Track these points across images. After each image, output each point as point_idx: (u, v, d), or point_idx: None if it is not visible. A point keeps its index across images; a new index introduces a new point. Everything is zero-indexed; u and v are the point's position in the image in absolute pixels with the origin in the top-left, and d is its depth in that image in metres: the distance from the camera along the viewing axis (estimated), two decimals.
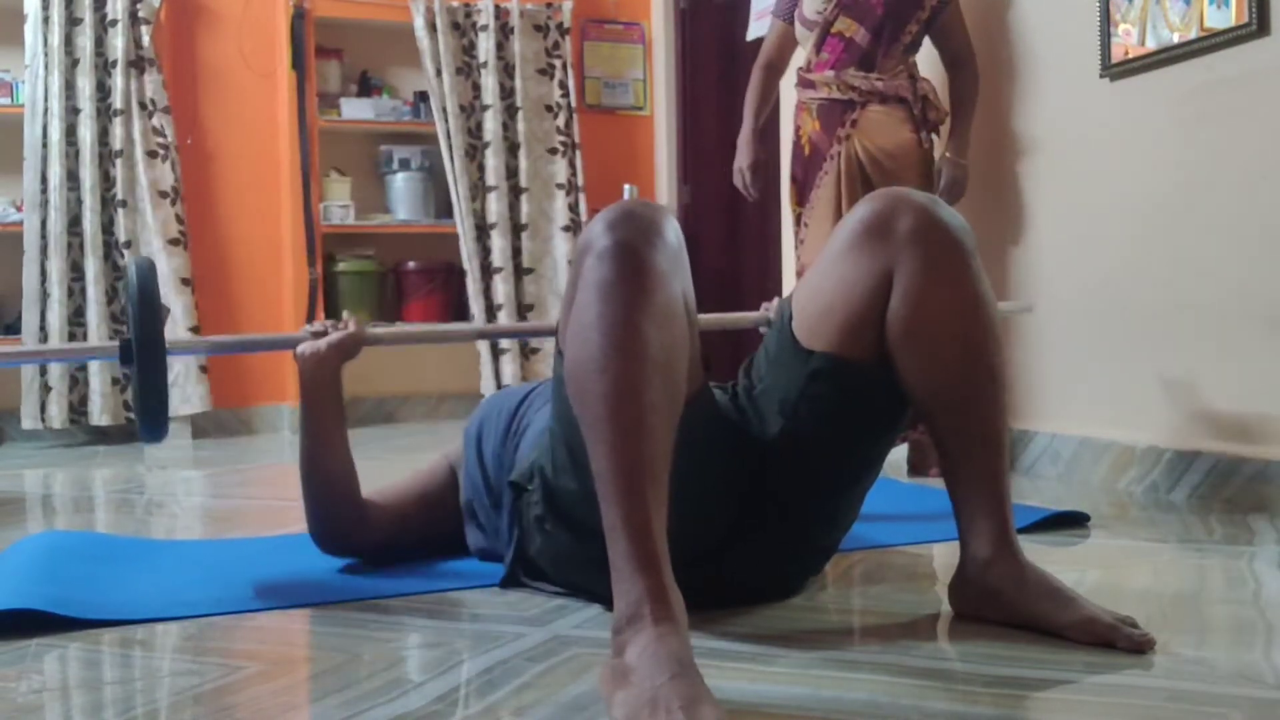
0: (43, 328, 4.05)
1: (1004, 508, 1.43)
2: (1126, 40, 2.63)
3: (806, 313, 1.50)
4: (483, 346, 4.53)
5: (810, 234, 2.96)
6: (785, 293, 3.15)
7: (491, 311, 4.56)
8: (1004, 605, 1.40)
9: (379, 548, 1.82)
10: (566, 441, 1.42)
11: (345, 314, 1.83)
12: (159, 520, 2.52)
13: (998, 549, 1.41)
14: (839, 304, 1.46)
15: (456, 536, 1.85)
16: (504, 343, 4.53)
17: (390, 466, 3.21)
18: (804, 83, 3.01)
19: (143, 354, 1.60)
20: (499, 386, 4.45)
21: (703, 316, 1.54)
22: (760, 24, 4.08)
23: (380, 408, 4.63)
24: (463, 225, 4.53)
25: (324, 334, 1.75)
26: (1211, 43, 2.40)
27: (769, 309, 2.11)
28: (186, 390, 4.18)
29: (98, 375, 4.08)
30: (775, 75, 3.18)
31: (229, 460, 3.60)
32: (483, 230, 4.60)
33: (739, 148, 3.15)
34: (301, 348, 1.74)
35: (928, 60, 3.04)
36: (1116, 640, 1.30)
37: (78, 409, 4.10)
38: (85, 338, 4.09)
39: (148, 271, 1.63)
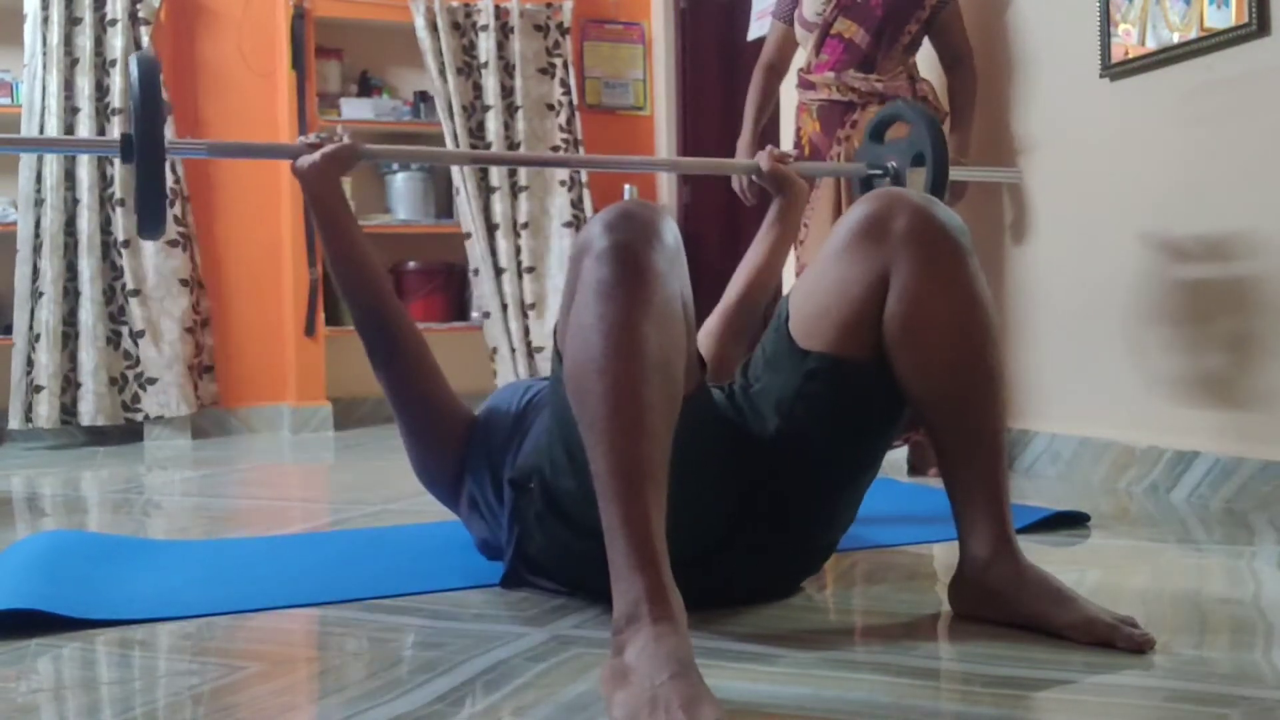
0: (32, 327, 4.03)
1: (1003, 508, 1.43)
2: (1126, 40, 2.63)
3: (803, 313, 1.50)
4: (499, 342, 4.52)
5: (810, 234, 2.96)
6: (785, 293, 3.16)
7: (504, 311, 4.56)
8: (1003, 605, 1.40)
9: (403, 336, 1.81)
10: (565, 441, 1.42)
11: (339, 128, 1.91)
12: (158, 520, 2.52)
13: (997, 549, 1.42)
14: (835, 304, 1.46)
15: (438, 458, 1.83)
16: (513, 340, 4.53)
17: (390, 466, 3.21)
18: (804, 84, 3.02)
19: (143, 150, 1.67)
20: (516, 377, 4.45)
21: (695, 160, 1.56)
22: (761, 24, 4.08)
23: (380, 408, 4.62)
24: (474, 225, 4.53)
25: (319, 145, 1.82)
26: (1211, 43, 2.40)
27: (760, 158, 2.11)
28: (186, 390, 4.17)
29: (92, 376, 4.06)
30: (776, 77, 3.18)
31: (229, 460, 3.60)
32: (490, 230, 4.60)
33: (738, 151, 3.15)
34: (300, 160, 1.81)
35: (926, 61, 3.04)
36: (1116, 640, 1.30)
37: (70, 410, 4.08)
38: (78, 338, 4.07)
39: (151, 68, 1.68)
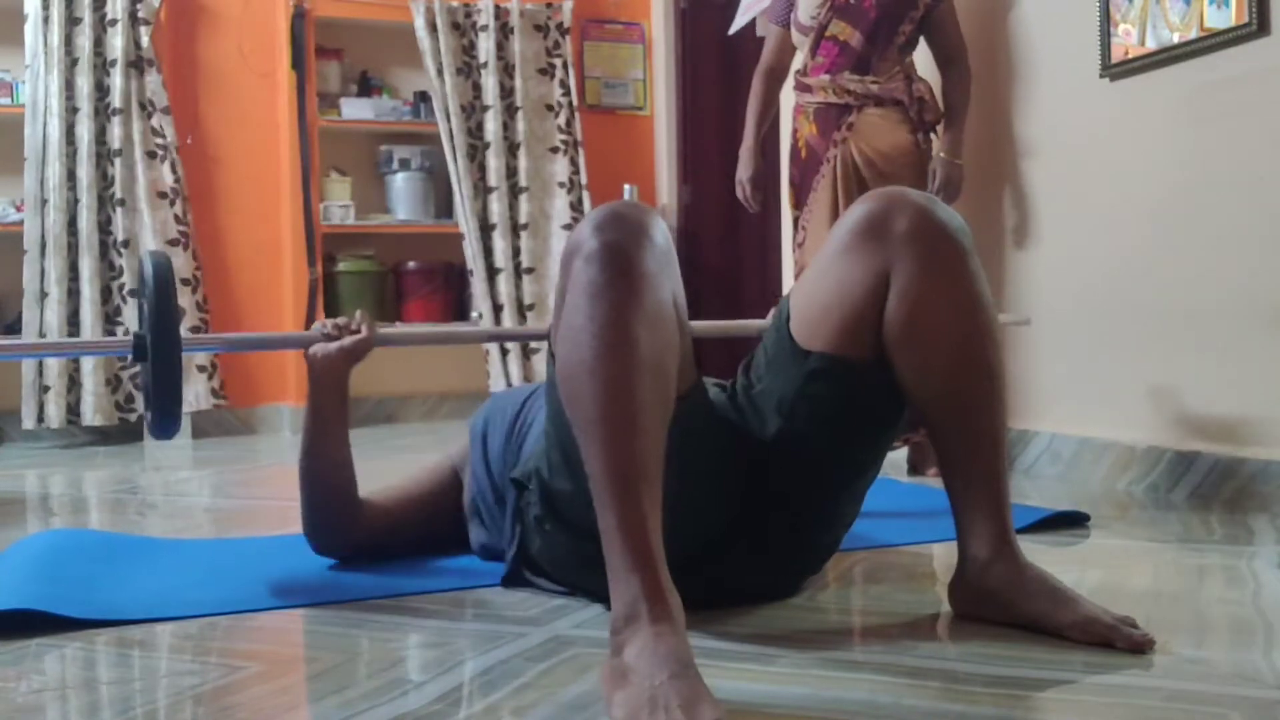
0: (40, 328, 4.05)
1: (1003, 508, 1.43)
2: (1126, 40, 2.63)
3: (804, 313, 1.50)
4: (491, 346, 4.53)
5: (808, 236, 2.96)
6: (785, 293, 3.16)
7: (496, 311, 4.57)
8: (1003, 605, 1.40)
9: (372, 548, 1.82)
10: (560, 443, 1.42)
11: (358, 313, 1.85)
12: (158, 520, 2.52)
13: (997, 549, 1.41)
14: (836, 304, 1.46)
15: (452, 538, 1.86)
16: (507, 342, 4.54)
17: (390, 466, 3.20)
18: (800, 86, 3.02)
19: (157, 350, 1.60)
20: (509, 385, 4.45)
21: (706, 324, 1.54)
22: (744, 19, 4.09)
23: (380, 408, 4.63)
24: (467, 226, 4.53)
25: (335, 336, 1.76)
26: (1211, 43, 2.40)
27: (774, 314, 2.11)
28: (184, 390, 4.17)
29: (90, 376, 4.07)
30: (776, 82, 3.18)
31: (229, 460, 3.60)
32: (485, 230, 4.60)
33: (741, 158, 3.14)
34: (314, 349, 1.75)
35: (924, 62, 3.04)
36: (1116, 640, 1.30)
37: (75, 410, 4.10)
38: (78, 337, 4.08)
39: (165, 267, 1.63)
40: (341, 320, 1.80)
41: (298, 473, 1.77)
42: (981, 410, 1.44)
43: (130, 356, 1.66)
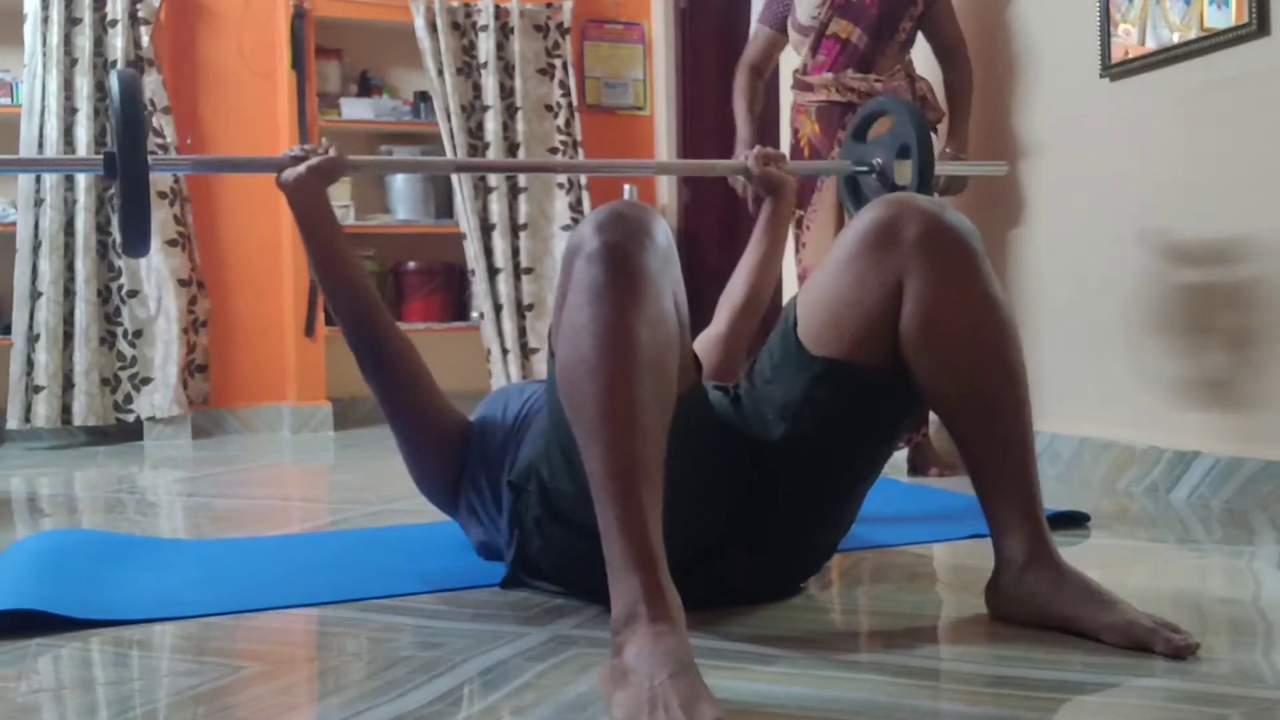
0: (31, 327, 4.03)
1: (1036, 509, 1.42)
2: (1126, 40, 2.63)
3: (813, 319, 1.49)
4: (492, 344, 4.53)
5: (812, 237, 2.96)
6: (785, 295, 3.16)
7: (496, 311, 4.56)
8: (1041, 607, 1.39)
9: (394, 349, 1.80)
10: (560, 443, 1.42)
11: (323, 140, 1.90)
12: (158, 520, 2.52)
13: (1033, 551, 1.41)
14: (847, 311, 1.46)
15: (438, 469, 1.82)
16: (507, 342, 4.53)
17: (390, 466, 3.21)
18: (800, 85, 3.01)
19: (126, 166, 1.65)
20: (509, 381, 4.45)
21: (681, 162, 1.56)
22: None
23: (381, 408, 4.63)
24: (468, 226, 4.53)
25: (304, 158, 1.81)
26: (1211, 43, 2.40)
27: (748, 156, 2.11)
28: (179, 390, 4.17)
29: (85, 376, 4.06)
30: (758, 77, 3.17)
31: (229, 460, 3.60)
32: (485, 230, 4.60)
33: (737, 151, 3.13)
34: (285, 174, 1.80)
35: (922, 62, 3.04)
36: (1156, 645, 1.28)
37: (70, 410, 4.08)
38: (74, 338, 4.07)
39: (131, 85, 1.67)
40: (310, 145, 1.88)
41: (323, 294, 1.82)
42: (1006, 412, 1.43)
43: (101, 173, 1.72)
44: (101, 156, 1.72)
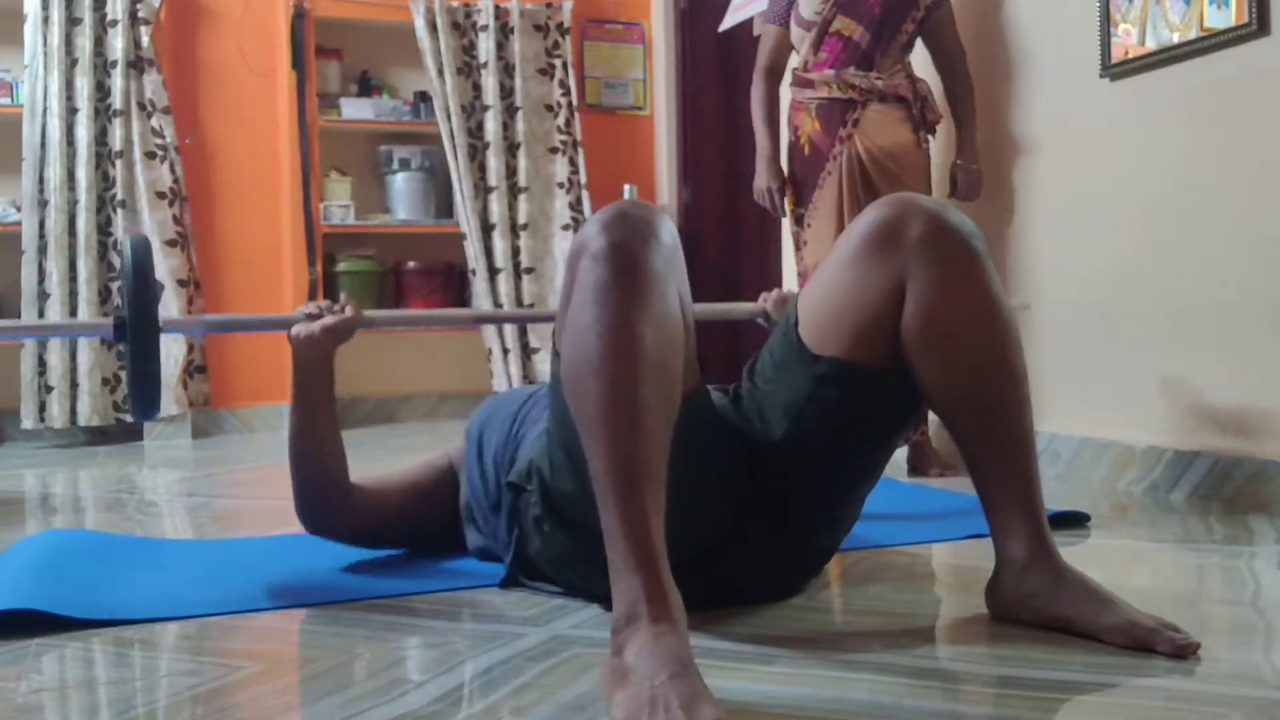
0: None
1: (1037, 509, 1.42)
2: (1126, 40, 2.63)
3: (814, 318, 1.49)
4: (493, 344, 4.53)
5: (813, 235, 2.96)
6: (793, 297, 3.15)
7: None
8: (1041, 607, 1.39)
9: (364, 532, 1.81)
10: (564, 443, 1.42)
11: (343, 296, 1.86)
12: (158, 520, 2.52)
13: (1034, 551, 1.40)
14: (849, 310, 1.46)
15: (449, 536, 1.85)
16: (507, 341, 4.54)
17: (390, 466, 3.20)
18: (801, 82, 3.01)
19: (135, 331, 1.63)
20: (510, 385, 4.45)
21: (699, 306, 1.54)
22: (734, 15, 4.08)
23: (380, 408, 4.63)
24: (469, 226, 4.53)
25: (319, 316, 1.75)
26: (1211, 43, 2.40)
27: (766, 300, 2.11)
28: (178, 391, 4.18)
29: (87, 376, 4.07)
30: (776, 81, 3.15)
31: (229, 460, 3.60)
32: (486, 230, 4.60)
33: (761, 167, 3.05)
34: (296, 329, 1.74)
35: (921, 68, 3.04)
36: (1158, 644, 1.28)
37: (73, 410, 4.09)
38: (76, 338, 4.08)
39: (143, 248, 1.65)
40: (325, 301, 1.80)
41: (289, 455, 1.76)
42: (1008, 412, 1.43)
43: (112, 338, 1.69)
44: (111, 320, 1.69)
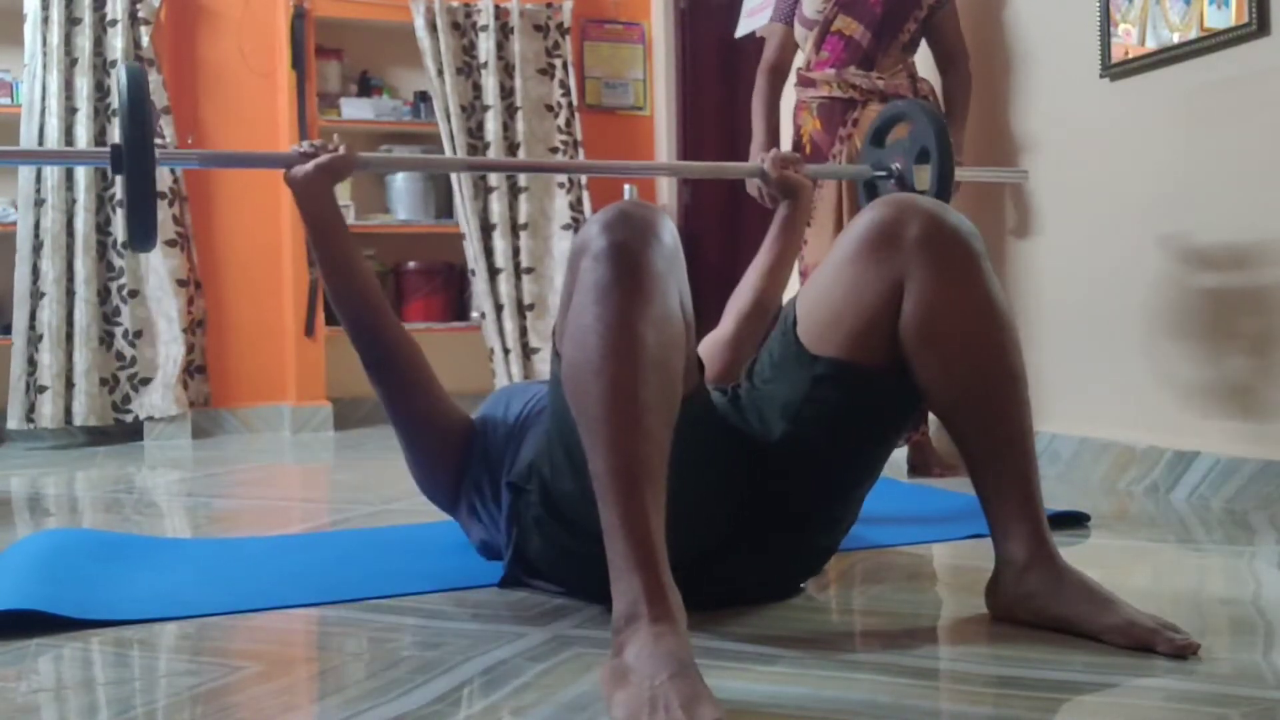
0: (33, 326, 4.04)
1: (1037, 509, 1.42)
2: (1126, 40, 2.63)
3: (813, 318, 1.50)
4: (494, 343, 4.53)
5: (813, 234, 2.96)
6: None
7: (497, 310, 4.56)
8: (1041, 608, 1.39)
9: (397, 348, 1.79)
10: (564, 442, 1.42)
11: (335, 136, 1.88)
12: (158, 520, 2.52)
13: (1034, 551, 1.40)
14: (848, 311, 1.46)
15: (440, 469, 1.81)
16: (508, 341, 4.54)
17: (390, 466, 3.21)
18: (804, 81, 3.01)
19: (132, 160, 1.64)
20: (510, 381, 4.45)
21: (696, 164, 1.55)
22: (749, 21, 4.07)
23: (380, 408, 4.62)
24: (469, 226, 4.53)
25: (313, 155, 1.79)
26: (1211, 43, 2.40)
27: (764, 159, 2.11)
28: (178, 390, 4.17)
29: (84, 376, 4.07)
30: (779, 79, 3.16)
31: (228, 460, 3.60)
32: (486, 230, 4.60)
33: (752, 157, 3.10)
34: (293, 170, 1.78)
35: (924, 67, 3.04)
36: (1158, 644, 1.28)
37: (69, 410, 4.08)
38: (74, 338, 4.07)
39: (138, 80, 1.66)
40: (318, 140, 1.84)
41: (326, 291, 1.80)
42: (1007, 413, 1.43)
43: (109, 168, 1.71)
44: (109, 149, 1.71)
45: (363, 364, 1.81)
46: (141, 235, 1.69)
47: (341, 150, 1.82)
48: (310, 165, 1.78)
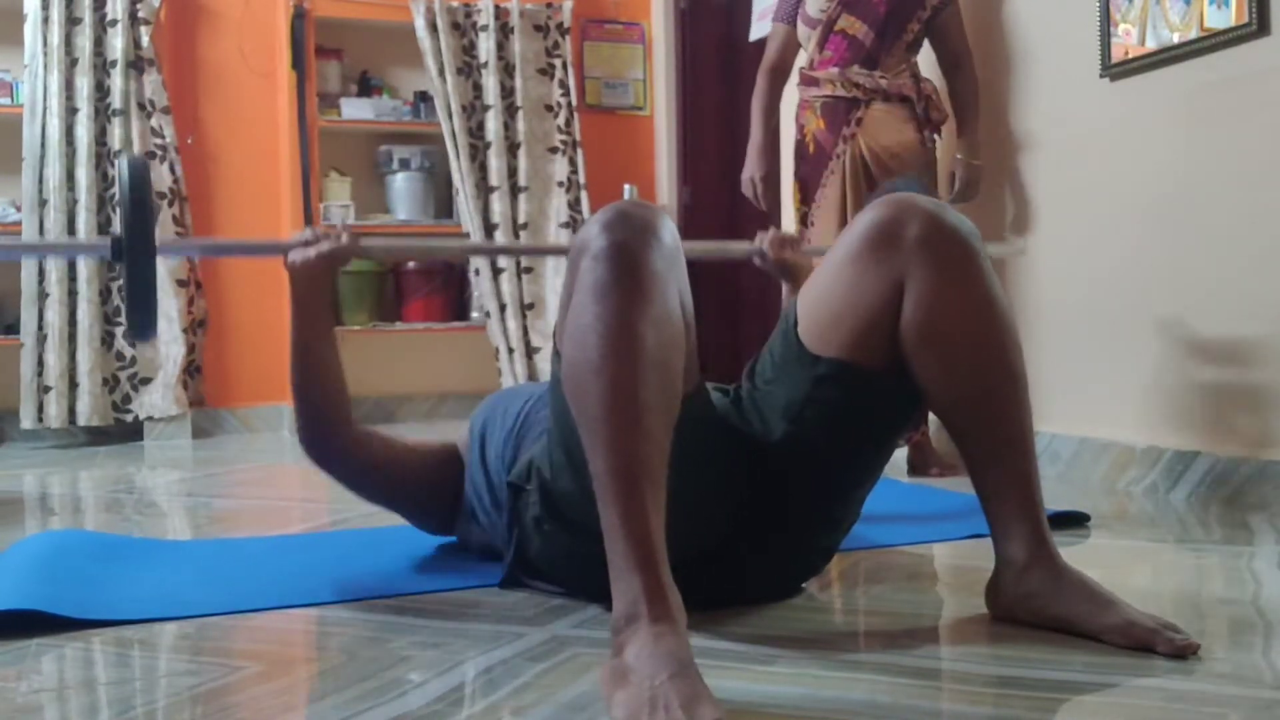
0: (40, 327, 4.05)
1: (1037, 509, 1.42)
2: (1126, 40, 2.63)
3: (814, 318, 1.49)
4: (499, 343, 4.53)
5: (816, 233, 2.96)
6: (786, 292, 3.16)
7: (500, 310, 4.56)
8: (1041, 608, 1.39)
9: (357, 469, 1.79)
10: (564, 442, 1.42)
11: (338, 222, 1.86)
12: (158, 520, 2.52)
13: (1034, 551, 1.41)
14: (848, 311, 1.46)
15: (440, 512, 1.83)
16: (511, 340, 4.54)
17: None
18: (807, 81, 3.01)
19: (133, 250, 1.62)
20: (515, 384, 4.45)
21: (695, 244, 1.54)
22: (762, 25, 4.07)
23: (380, 408, 4.62)
24: (471, 225, 4.53)
25: (315, 242, 1.75)
26: (1211, 43, 2.40)
27: (763, 240, 2.11)
28: (178, 390, 4.18)
29: (87, 376, 4.07)
30: (780, 79, 3.16)
31: (228, 460, 3.60)
32: (487, 230, 4.60)
33: (750, 157, 3.10)
34: (292, 256, 1.75)
35: (927, 68, 3.04)
36: (1158, 645, 1.28)
37: (72, 410, 4.09)
38: (76, 338, 4.08)
39: (140, 170, 1.64)
40: (320, 227, 1.82)
41: (291, 382, 1.76)
42: (1007, 413, 1.43)
43: (109, 258, 1.70)
44: (109, 240, 1.68)
45: (325, 470, 1.80)
46: (144, 325, 1.66)
47: (344, 239, 1.76)
48: (311, 252, 1.74)
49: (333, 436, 1.77)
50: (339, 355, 1.78)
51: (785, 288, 2.12)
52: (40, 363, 4.05)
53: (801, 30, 3.04)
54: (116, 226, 1.97)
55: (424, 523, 1.90)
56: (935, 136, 2.97)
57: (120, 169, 1.66)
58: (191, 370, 4.25)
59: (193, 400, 4.25)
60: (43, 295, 4.06)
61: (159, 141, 4.19)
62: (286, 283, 1.79)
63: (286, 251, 1.76)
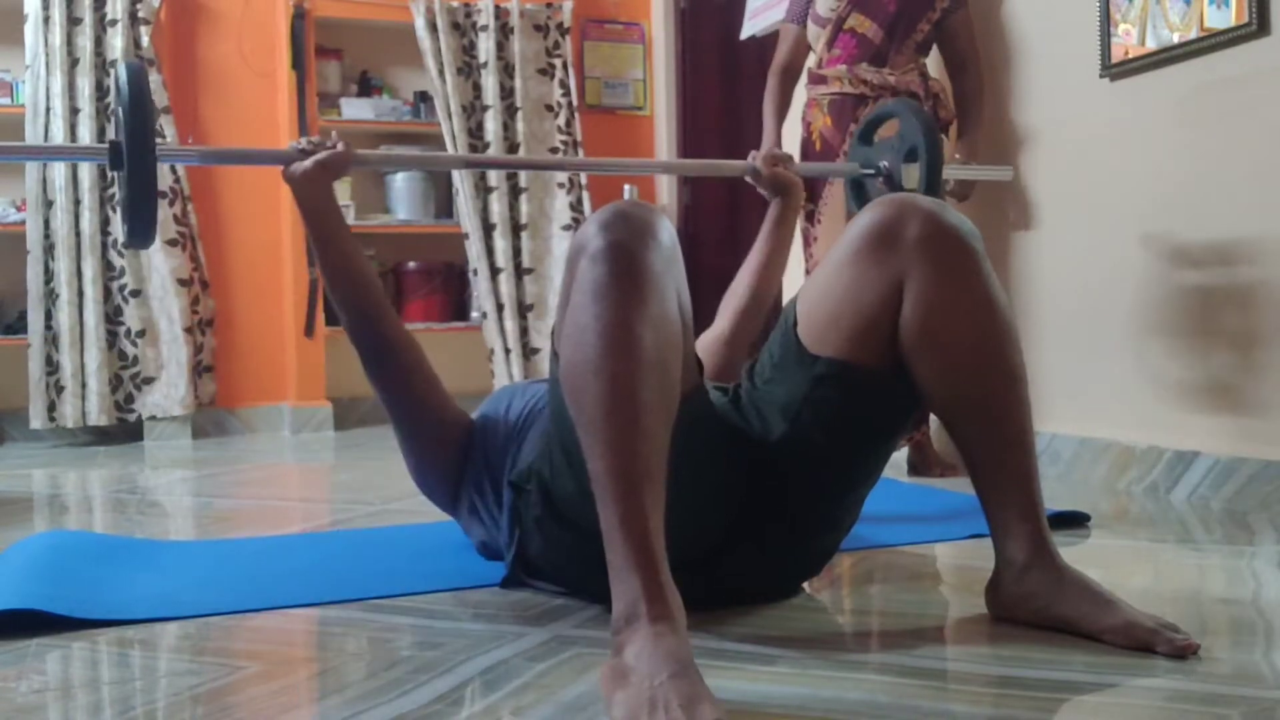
0: (49, 327, 4.05)
1: (1037, 509, 1.42)
2: (1126, 40, 2.63)
3: (813, 318, 1.49)
4: (495, 343, 4.53)
5: (823, 231, 2.96)
6: (788, 292, 3.16)
7: (498, 310, 4.56)
8: (1041, 608, 1.39)
9: (400, 349, 1.80)
10: (562, 443, 1.42)
11: (334, 133, 1.90)
12: (159, 520, 2.52)
13: (1034, 552, 1.41)
14: (847, 311, 1.46)
15: (441, 466, 1.82)
16: (509, 341, 4.54)
17: (390, 466, 3.21)
18: (815, 79, 3.02)
19: (132, 156, 1.63)
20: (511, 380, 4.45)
21: (689, 162, 1.55)
22: (754, 23, 4.07)
23: (380, 408, 4.62)
24: (471, 225, 4.53)
25: (312, 151, 1.80)
26: (1211, 43, 2.40)
27: (755, 157, 2.12)
28: (183, 390, 4.18)
29: (95, 376, 4.08)
30: (790, 80, 3.15)
31: (229, 460, 3.60)
32: (487, 230, 4.60)
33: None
34: (291, 167, 1.80)
35: (935, 68, 3.04)
36: (1158, 645, 1.28)
37: (80, 409, 4.10)
38: (83, 337, 4.08)
39: (138, 76, 1.65)
40: (316, 138, 1.85)
41: (322, 283, 1.81)
42: (1007, 413, 1.43)
43: (106, 164, 1.71)
44: (107, 146, 1.70)
45: (361, 361, 1.81)
46: (141, 231, 1.67)
47: (340, 147, 1.82)
48: (309, 161, 1.79)
49: (376, 323, 1.78)
50: (358, 246, 1.83)
51: (774, 207, 2.11)
52: (51, 362, 4.06)
53: (811, 30, 3.05)
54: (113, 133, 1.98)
55: (424, 470, 1.85)
56: (942, 137, 2.96)
57: (118, 74, 1.67)
58: (200, 369, 4.25)
59: (203, 400, 4.26)
60: (51, 296, 4.07)
61: (159, 141, 4.18)
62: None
63: (286, 163, 1.81)
